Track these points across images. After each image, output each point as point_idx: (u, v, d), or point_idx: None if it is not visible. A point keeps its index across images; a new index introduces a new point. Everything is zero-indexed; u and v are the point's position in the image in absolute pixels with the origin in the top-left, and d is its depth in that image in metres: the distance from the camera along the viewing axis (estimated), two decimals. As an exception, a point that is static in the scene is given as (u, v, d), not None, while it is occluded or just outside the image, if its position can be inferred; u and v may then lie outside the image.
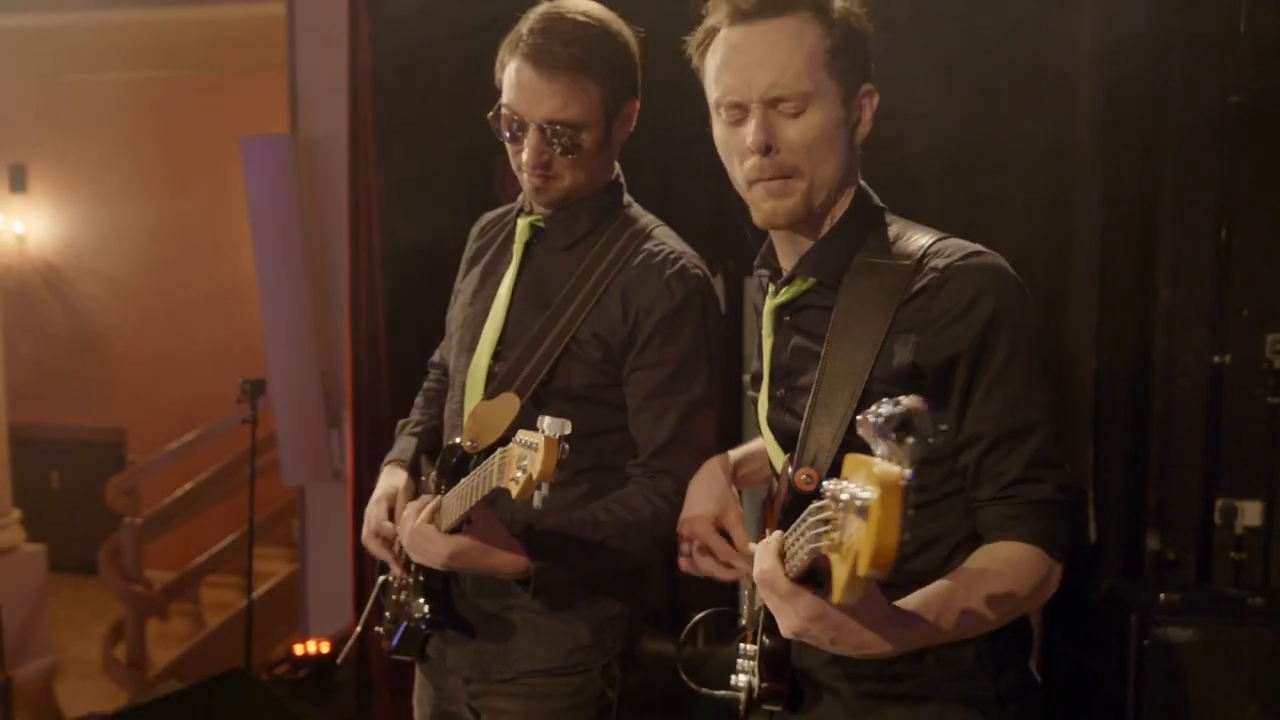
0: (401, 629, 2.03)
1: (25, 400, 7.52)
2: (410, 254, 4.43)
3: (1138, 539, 4.09)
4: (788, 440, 1.62)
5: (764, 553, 1.32)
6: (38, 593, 6.69)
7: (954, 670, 1.54)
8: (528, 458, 1.54)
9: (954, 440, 1.51)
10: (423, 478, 2.10)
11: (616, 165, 2.04)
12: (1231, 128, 3.93)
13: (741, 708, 1.62)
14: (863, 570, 1.06)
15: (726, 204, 1.75)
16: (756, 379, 1.72)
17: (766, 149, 1.54)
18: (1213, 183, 3.98)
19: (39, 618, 6.70)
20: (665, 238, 1.99)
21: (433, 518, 1.84)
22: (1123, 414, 4.10)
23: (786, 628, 1.31)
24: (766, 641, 1.57)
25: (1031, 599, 1.48)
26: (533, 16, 1.89)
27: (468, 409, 1.96)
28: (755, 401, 1.72)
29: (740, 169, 1.58)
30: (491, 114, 1.95)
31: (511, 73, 1.90)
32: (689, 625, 1.98)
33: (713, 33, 1.58)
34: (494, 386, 1.93)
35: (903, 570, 1.43)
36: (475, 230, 2.23)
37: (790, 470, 1.56)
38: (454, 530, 1.83)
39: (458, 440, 1.94)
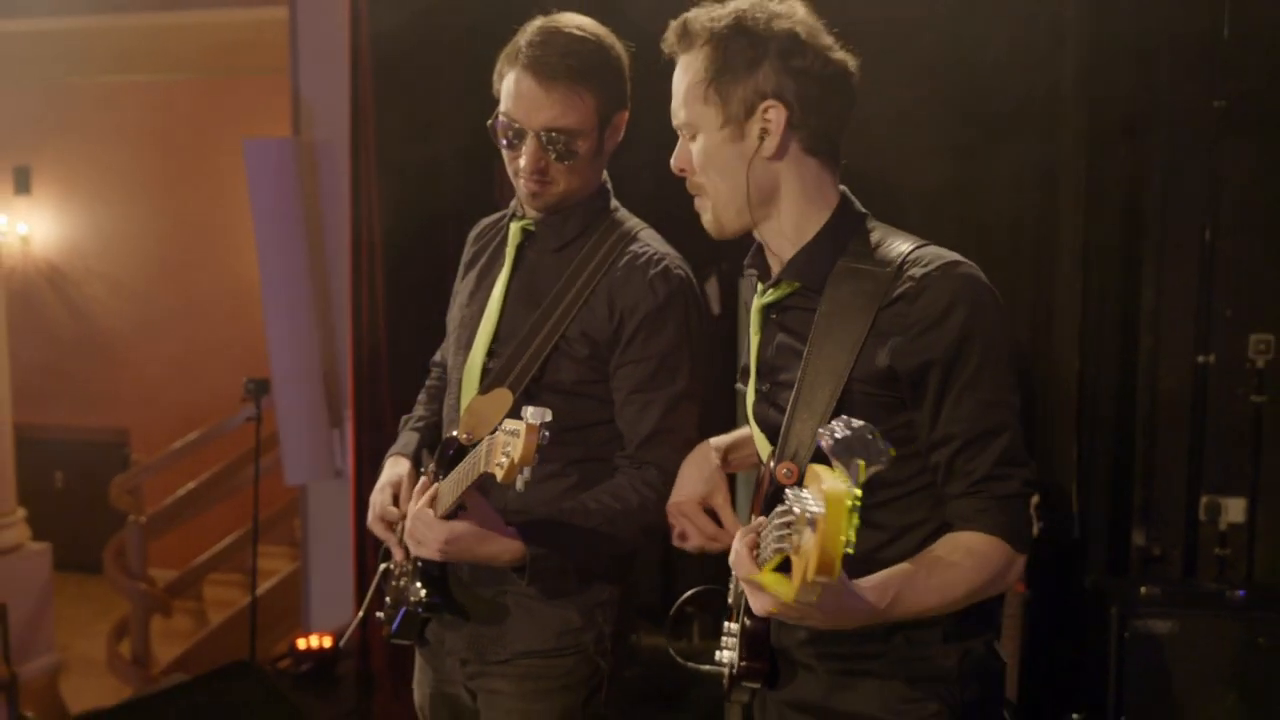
0: (401, 613, 2.11)
1: (29, 400, 7.56)
2: (411, 255, 4.50)
3: (1123, 536, 4.17)
4: (772, 432, 1.70)
5: (738, 541, 1.41)
6: (43, 590, 6.73)
7: (922, 650, 1.62)
8: (511, 444, 1.63)
9: (928, 439, 1.59)
10: (423, 469, 2.19)
11: (604, 172, 2.13)
12: (1215, 132, 3.99)
13: (725, 684, 1.70)
14: (810, 576, 1.18)
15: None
16: (745, 373, 1.81)
17: (681, 170, 1.71)
18: (1197, 186, 4.04)
19: (44, 615, 6.74)
20: (650, 240, 2.09)
21: (430, 503, 1.92)
22: (1109, 413, 4.17)
23: (756, 608, 1.40)
24: (747, 622, 1.65)
25: (991, 585, 1.56)
26: (531, 29, 1.99)
27: (464, 404, 2.06)
28: (743, 394, 1.81)
29: None
30: (490, 121, 2.04)
31: (510, 82, 1.99)
32: (679, 601, 2.07)
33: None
34: (488, 382, 2.03)
35: (875, 560, 1.53)
36: (472, 235, 2.32)
37: (772, 464, 1.65)
38: (449, 516, 1.91)
39: (454, 433, 2.03)
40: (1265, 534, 4.06)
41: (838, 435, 1.22)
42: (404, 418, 2.39)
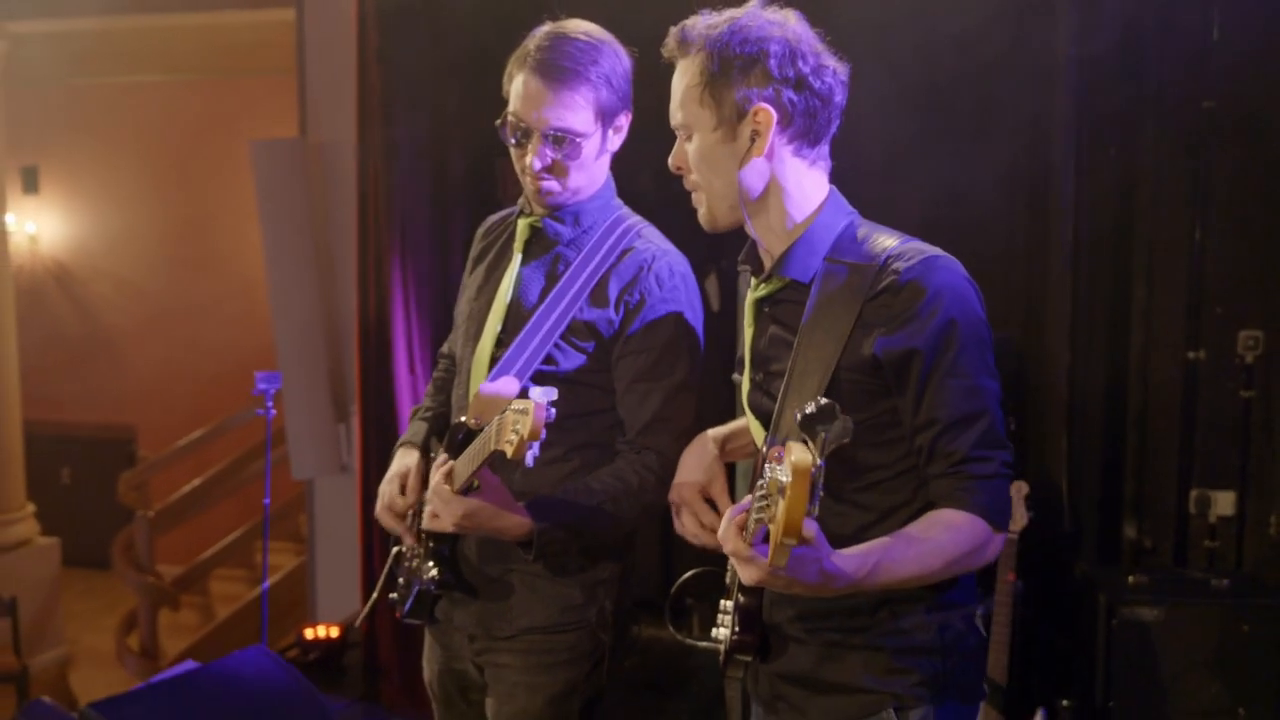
0: (414, 592, 2.22)
1: (37, 398, 7.63)
2: (416, 253, 4.58)
3: (1115, 527, 4.24)
4: (765, 419, 1.80)
5: (727, 519, 1.50)
6: (52, 584, 6.82)
7: (906, 623, 1.72)
8: (520, 421, 1.73)
9: (911, 424, 1.69)
10: (432, 455, 2.28)
11: (608, 171, 2.23)
12: (1205, 132, 4.06)
13: (721, 659, 1.80)
14: (777, 539, 1.30)
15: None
16: (740, 364, 1.90)
17: (678, 169, 1.81)
18: (1187, 185, 4.11)
19: (53, 609, 6.83)
20: (652, 237, 2.19)
21: (447, 480, 2.02)
22: (1100, 407, 4.24)
23: (745, 579, 1.49)
24: (741, 599, 1.76)
25: (968, 559, 1.65)
26: (539, 34, 2.10)
27: (472, 392, 2.16)
28: (739, 384, 1.90)
29: None
30: (499, 121, 2.14)
31: (519, 84, 2.10)
32: (679, 581, 2.16)
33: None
34: (496, 370, 2.13)
35: (863, 538, 1.61)
36: (480, 231, 2.42)
37: (765, 449, 1.74)
38: (463, 493, 2.01)
39: (463, 419, 2.12)
40: (1254, 526, 4.14)
41: (807, 412, 1.35)
42: (413, 408, 2.49)
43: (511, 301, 2.19)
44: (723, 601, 1.84)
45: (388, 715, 4.37)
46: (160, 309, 8.79)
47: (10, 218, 8.92)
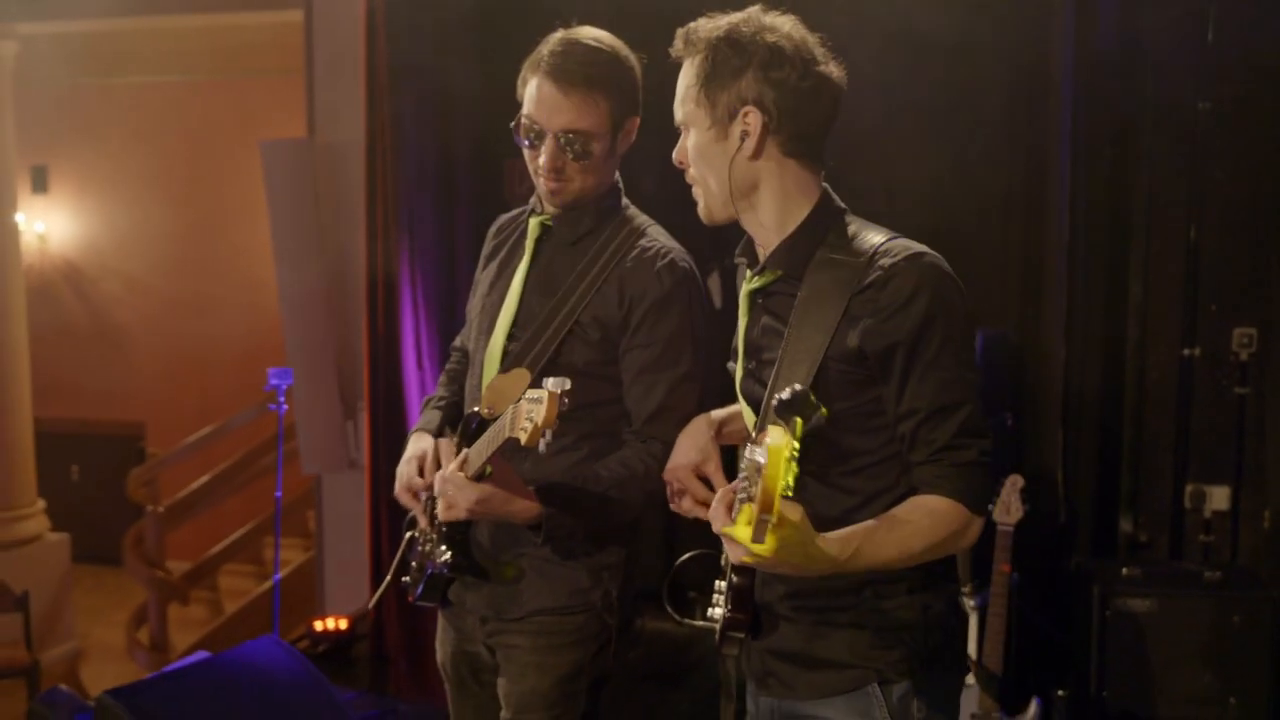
0: (427, 575, 2.30)
1: (46, 395, 7.67)
2: (424, 251, 4.64)
3: (1110, 522, 4.31)
4: (756, 406, 1.88)
5: (716, 500, 1.58)
6: (62, 579, 6.87)
7: (890, 602, 1.80)
8: (534, 410, 1.81)
9: (895, 412, 1.76)
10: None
11: (616, 172, 2.31)
12: (1201, 133, 4.13)
13: (716, 637, 1.87)
14: (755, 515, 1.38)
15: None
16: (735, 353, 1.98)
17: (680, 163, 1.89)
18: (1183, 185, 4.18)
19: (63, 604, 6.88)
20: (658, 235, 2.28)
21: (461, 466, 2.09)
22: (1096, 403, 4.30)
23: (732, 557, 1.58)
24: (734, 579, 1.84)
25: (948, 543, 1.73)
26: (553, 40, 2.19)
27: (485, 383, 2.24)
28: (734, 372, 1.98)
29: None
30: (513, 124, 2.23)
31: (533, 88, 2.18)
32: (676, 563, 2.24)
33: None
34: (508, 362, 2.22)
35: (848, 522, 1.70)
36: (493, 229, 2.51)
37: (755, 433, 1.82)
38: (476, 480, 2.09)
39: (476, 409, 2.20)
40: (1248, 521, 4.20)
41: (783, 398, 1.43)
42: (426, 399, 2.57)
43: (523, 297, 2.28)
44: (717, 582, 1.93)
45: (396, 705, 4.44)
46: (169, 307, 8.84)
47: (20, 217, 9.00)
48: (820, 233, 1.84)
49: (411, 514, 2.40)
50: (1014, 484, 3.51)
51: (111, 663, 6.93)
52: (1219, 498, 4.23)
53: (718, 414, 2.11)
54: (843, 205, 1.89)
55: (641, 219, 2.30)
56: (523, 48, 2.25)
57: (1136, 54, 4.16)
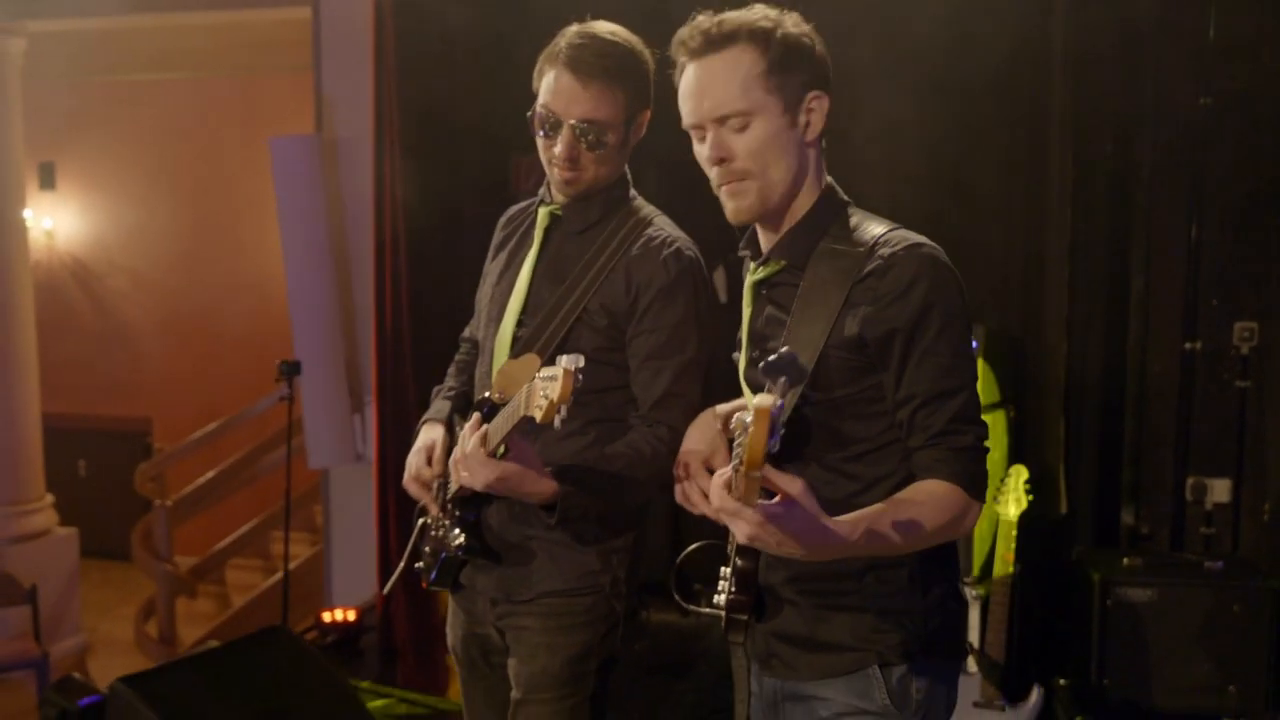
0: (441, 559, 2.34)
1: (54, 391, 7.71)
2: (431, 246, 4.68)
3: (1112, 513, 4.34)
4: (759, 393, 1.90)
5: (717, 478, 1.60)
6: (71, 573, 6.90)
7: (890, 587, 1.84)
8: (549, 387, 1.85)
9: (893, 398, 1.80)
10: (457, 429, 2.39)
11: (625, 165, 2.35)
12: (1202, 128, 4.17)
13: (723, 623, 1.91)
14: (742, 472, 1.43)
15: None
16: (739, 343, 2.01)
17: (720, 160, 1.84)
18: (1184, 180, 4.22)
19: (72, 597, 6.91)
20: (664, 225, 2.32)
21: (482, 442, 2.14)
22: (1098, 396, 4.34)
23: (740, 536, 1.59)
24: (739, 563, 1.88)
25: (949, 528, 1.76)
26: (570, 33, 2.23)
27: (495, 369, 2.27)
28: (738, 362, 2.02)
29: (710, 176, 1.89)
30: (530, 114, 2.28)
31: (550, 79, 2.23)
32: (683, 553, 2.28)
33: (682, 67, 1.88)
34: (518, 348, 2.26)
35: (851, 506, 1.73)
36: (502, 220, 2.56)
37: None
38: (494, 456, 2.12)
39: (487, 394, 2.24)
40: (1249, 513, 4.24)
41: (770, 360, 1.45)
42: (435, 388, 2.61)
43: (532, 285, 2.32)
44: (722, 569, 1.96)
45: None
46: (176, 303, 8.90)
47: (28, 213, 9.05)
48: (824, 224, 1.88)
49: (421, 504, 2.44)
50: (1017, 474, 3.54)
51: (120, 656, 6.97)
52: (1220, 490, 4.26)
53: (727, 405, 2.14)
54: (846, 198, 1.92)
55: (648, 209, 2.34)
56: (530, 43, 2.30)
57: (1138, 50, 4.19)
